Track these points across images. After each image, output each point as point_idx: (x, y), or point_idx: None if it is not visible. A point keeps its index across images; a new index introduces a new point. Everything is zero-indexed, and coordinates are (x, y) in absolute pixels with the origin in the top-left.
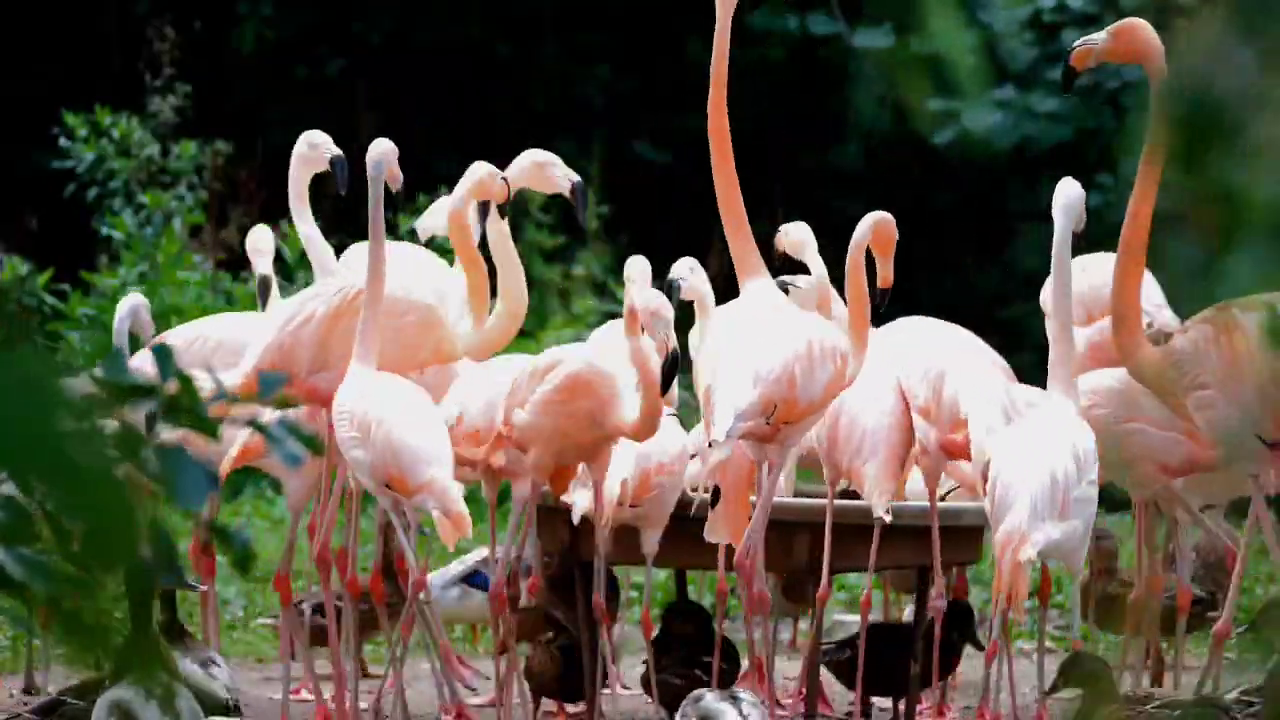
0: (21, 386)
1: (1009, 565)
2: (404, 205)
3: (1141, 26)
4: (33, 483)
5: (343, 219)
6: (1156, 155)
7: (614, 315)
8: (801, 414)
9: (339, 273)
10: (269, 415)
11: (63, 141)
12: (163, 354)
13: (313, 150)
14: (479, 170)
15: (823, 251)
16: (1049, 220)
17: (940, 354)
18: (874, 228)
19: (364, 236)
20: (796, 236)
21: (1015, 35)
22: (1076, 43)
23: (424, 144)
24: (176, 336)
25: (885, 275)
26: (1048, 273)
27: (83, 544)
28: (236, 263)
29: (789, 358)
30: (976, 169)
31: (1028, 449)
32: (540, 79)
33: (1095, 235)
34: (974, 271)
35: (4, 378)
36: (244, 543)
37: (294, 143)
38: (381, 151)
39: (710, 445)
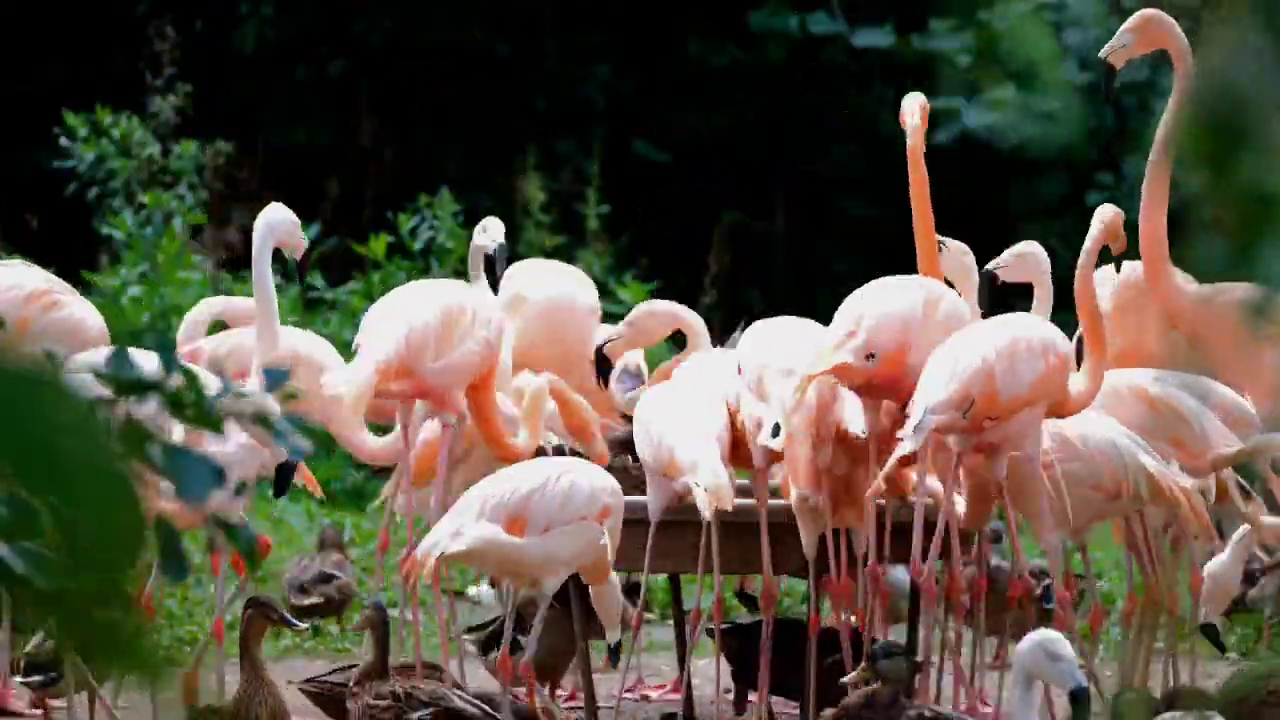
0: (24, 384)
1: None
2: (404, 205)
3: (1156, 15)
4: (38, 480)
5: (342, 219)
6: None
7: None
8: (1006, 410)
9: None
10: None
11: (63, 141)
12: (165, 348)
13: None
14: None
15: (824, 252)
16: (1048, 220)
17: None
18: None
19: (362, 238)
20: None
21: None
22: (1103, 51)
23: (425, 144)
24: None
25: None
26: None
27: (89, 540)
28: (237, 262)
29: (989, 353)
30: (976, 169)
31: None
32: (540, 79)
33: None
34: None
35: (6, 376)
36: (250, 537)
37: (294, 143)
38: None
39: (901, 440)
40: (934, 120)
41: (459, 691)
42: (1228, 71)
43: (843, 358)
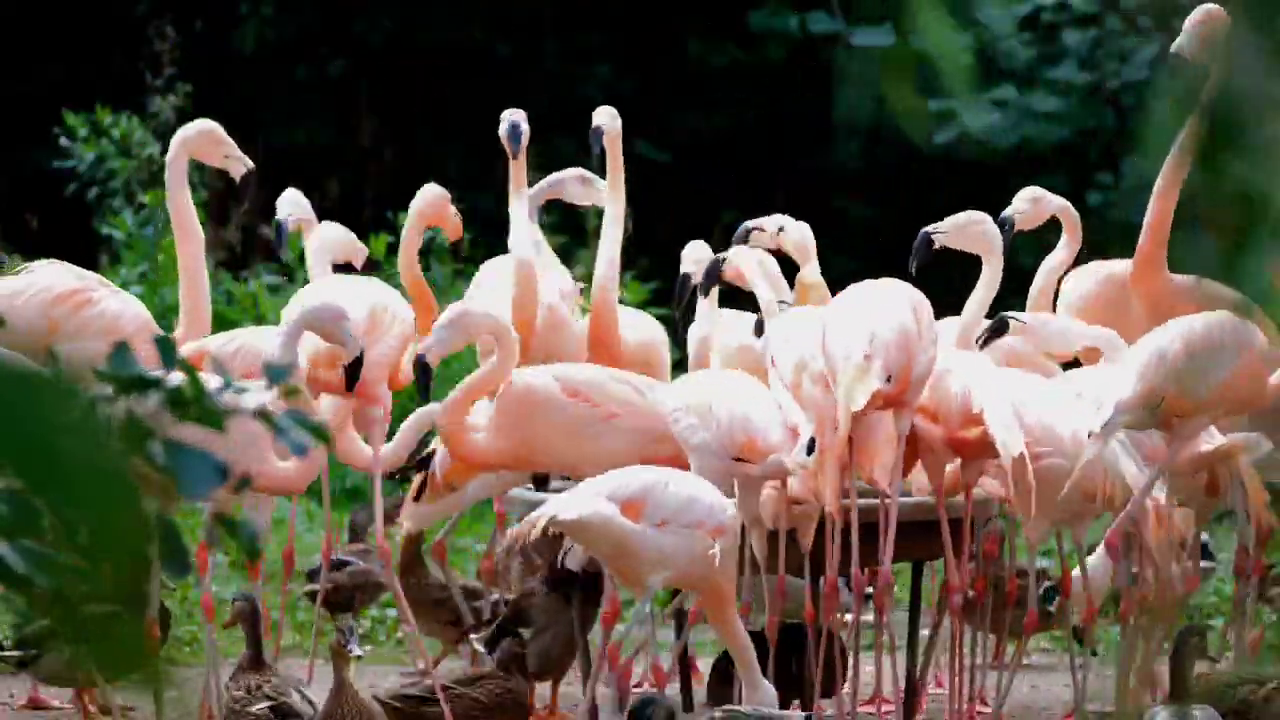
0: (24, 384)
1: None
2: (405, 204)
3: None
4: (38, 480)
5: (342, 219)
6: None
7: None
8: (1195, 409)
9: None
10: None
11: (63, 141)
12: (165, 345)
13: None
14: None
15: (823, 252)
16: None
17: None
18: None
19: (362, 238)
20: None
21: (1013, 35)
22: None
23: (425, 144)
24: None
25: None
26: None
27: (89, 540)
28: (237, 262)
29: (1179, 350)
30: (976, 169)
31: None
32: (540, 79)
33: (1097, 234)
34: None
35: (7, 376)
36: (251, 533)
37: (294, 143)
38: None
39: (1089, 436)
40: (934, 120)
41: (302, 690)
42: (1233, 73)
43: (874, 385)
